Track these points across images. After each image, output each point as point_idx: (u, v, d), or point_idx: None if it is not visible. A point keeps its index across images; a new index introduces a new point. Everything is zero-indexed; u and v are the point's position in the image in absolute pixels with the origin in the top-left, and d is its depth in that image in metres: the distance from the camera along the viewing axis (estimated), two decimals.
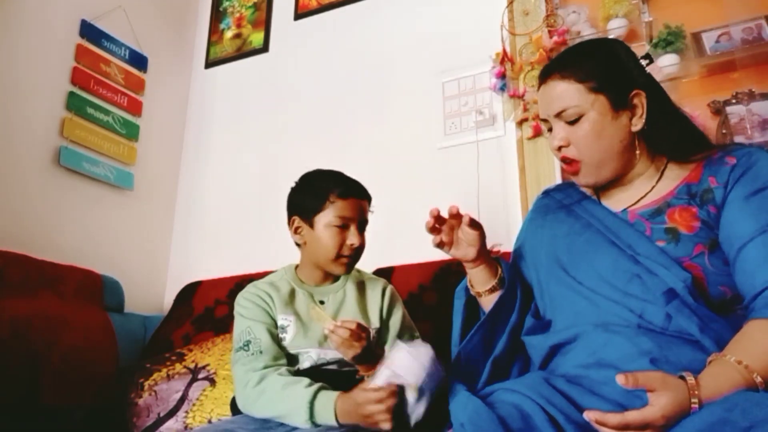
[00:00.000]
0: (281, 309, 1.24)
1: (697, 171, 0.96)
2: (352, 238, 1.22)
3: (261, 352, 1.16)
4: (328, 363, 1.20)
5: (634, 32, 1.71)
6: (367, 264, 1.38)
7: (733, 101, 1.54)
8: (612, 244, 0.95)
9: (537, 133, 1.73)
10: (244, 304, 1.26)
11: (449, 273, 1.60)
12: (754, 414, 0.65)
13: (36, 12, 1.97)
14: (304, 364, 1.20)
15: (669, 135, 0.99)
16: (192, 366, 1.59)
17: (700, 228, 0.90)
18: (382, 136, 2.05)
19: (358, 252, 1.26)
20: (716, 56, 1.60)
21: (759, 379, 0.75)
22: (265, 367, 1.14)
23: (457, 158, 1.87)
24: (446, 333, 1.34)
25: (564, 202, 1.10)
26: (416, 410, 0.96)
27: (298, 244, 1.31)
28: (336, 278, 1.32)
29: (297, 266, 1.35)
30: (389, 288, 1.36)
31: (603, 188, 1.05)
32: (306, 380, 1.08)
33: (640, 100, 0.97)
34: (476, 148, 1.81)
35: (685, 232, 0.90)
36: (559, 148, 1.00)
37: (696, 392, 0.72)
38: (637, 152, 0.98)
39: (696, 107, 1.55)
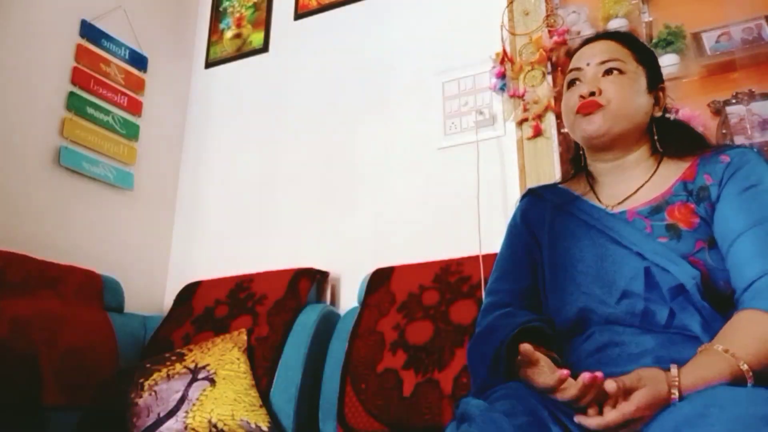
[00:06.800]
0: None
1: (692, 169, 0.97)
2: None
3: None
4: None
5: (634, 32, 1.70)
6: (367, 264, 1.37)
7: (733, 101, 1.54)
8: (616, 243, 0.95)
9: (537, 133, 1.73)
10: None
11: (449, 273, 1.60)
12: (731, 410, 0.65)
13: (36, 12, 1.97)
14: None
15: (675, 133, 1.03)
16: (192, 366, 1.60)
17: (699, 224, 0.91)
18: (382, 136, 2.05)
19: None
20: (716, 56, 1.60)
21: (746, 367, 0.75)
22: None
23: (457, 158, 1.87)
24: (445, 333, 1.34)
25: (556, 202, 1.09)
26: None
27: None
28: None
29: None
30: None
31: (601, 167, 1.06)
32: None
33: (664, 94, 1.05)
34: (476, 148, 1.81)
35: (685, 229, 0.91)
36: (590, 94, 0.99)
37: (676, 383, 0.74)
38: (655, 137, 1.02)
39: (696, 107, 1.55)
